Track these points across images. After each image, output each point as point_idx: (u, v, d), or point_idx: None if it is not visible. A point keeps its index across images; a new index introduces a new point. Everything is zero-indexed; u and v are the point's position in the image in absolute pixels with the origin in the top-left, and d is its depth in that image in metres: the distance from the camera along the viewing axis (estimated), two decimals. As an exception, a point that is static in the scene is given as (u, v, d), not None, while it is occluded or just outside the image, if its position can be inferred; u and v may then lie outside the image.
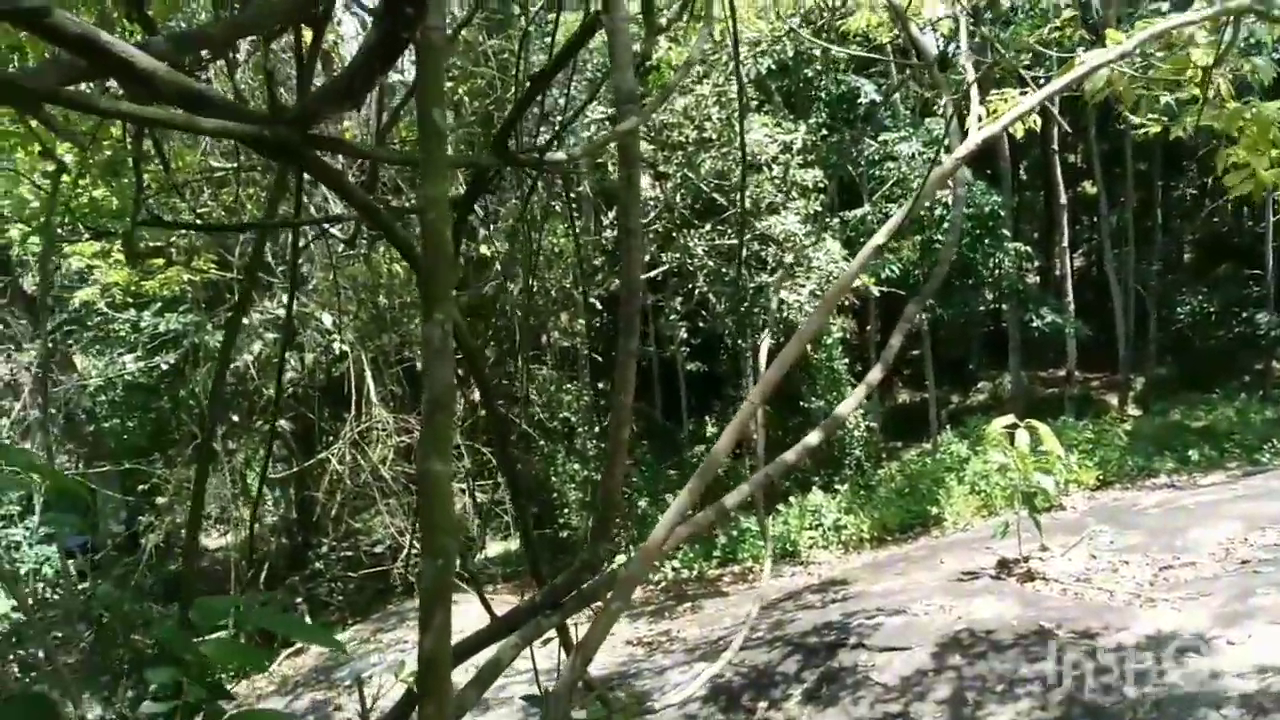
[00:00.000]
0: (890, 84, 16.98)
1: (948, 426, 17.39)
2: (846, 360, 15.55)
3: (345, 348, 11.01)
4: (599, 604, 2.33)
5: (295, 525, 14.73)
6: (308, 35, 2.29)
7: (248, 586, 11.99)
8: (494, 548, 17.86)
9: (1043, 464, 8.29)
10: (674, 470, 16.45)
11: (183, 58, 1.89)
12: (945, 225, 16.19)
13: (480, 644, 2.02)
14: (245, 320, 10.57)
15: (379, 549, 13.24)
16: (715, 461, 2.31)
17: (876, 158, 16.07)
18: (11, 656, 9.31)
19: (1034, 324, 17.32)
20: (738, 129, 11.81)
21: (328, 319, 10.86)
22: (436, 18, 1.06)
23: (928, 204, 15.67)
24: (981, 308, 18.25)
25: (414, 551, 11.57)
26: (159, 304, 9.98)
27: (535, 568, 2.70)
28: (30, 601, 9.83)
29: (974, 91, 3.61)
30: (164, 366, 10.35)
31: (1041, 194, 24.02)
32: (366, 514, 13.20)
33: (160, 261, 8.59)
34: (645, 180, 11.50)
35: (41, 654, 9.35)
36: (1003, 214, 16.46)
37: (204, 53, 2.59)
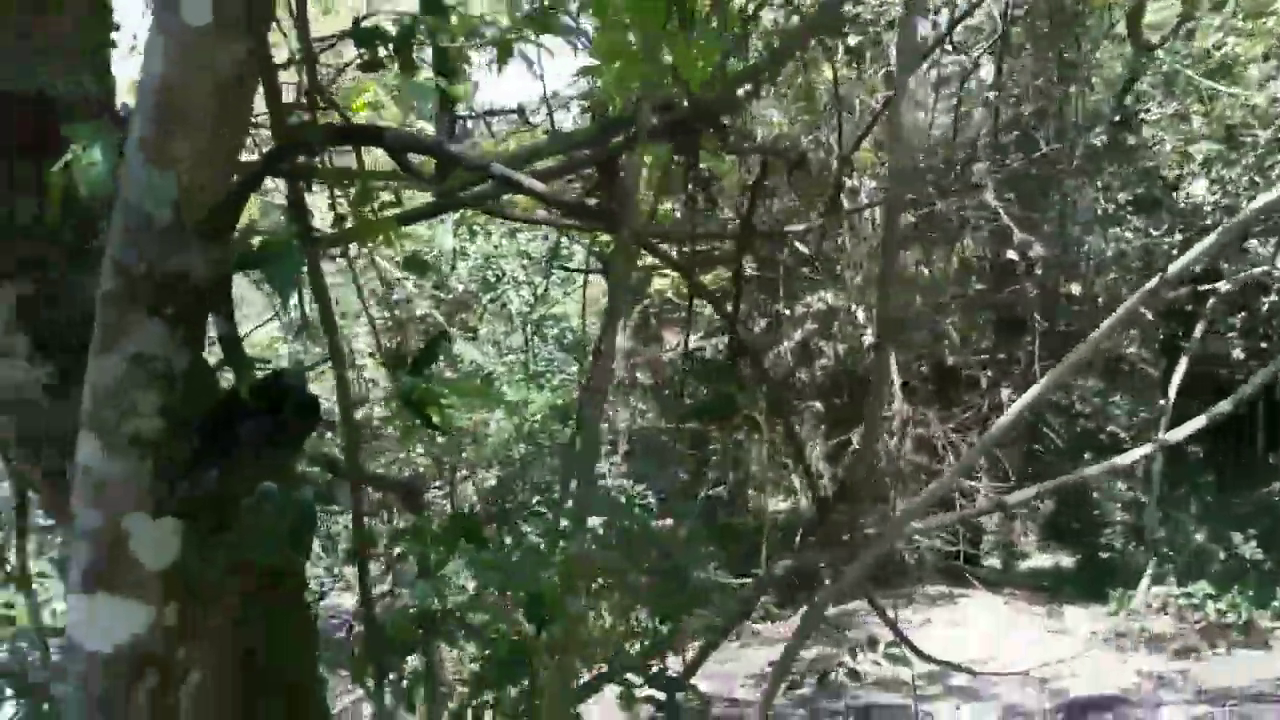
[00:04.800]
0: None
1: None
2: None
3: (874, 339, 11.80)
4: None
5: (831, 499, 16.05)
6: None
7: (776, 549, 13.52)
8: (1043, 559, 17.39)
9: None
10: (1244, 505, 14.45)
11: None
12: None
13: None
14: (789, 313, 11.95)
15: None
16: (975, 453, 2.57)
17: None
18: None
19: None
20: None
21: (860, 313, 11.74)
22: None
23: None
24: None
25: (917, 540, 12.01)
26: (717, 293, 11.83)
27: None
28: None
29: None
30: (719, 346, 12.23)
31: None
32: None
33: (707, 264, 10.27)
34: (1202, 185, 10.42)
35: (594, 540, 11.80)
36: None
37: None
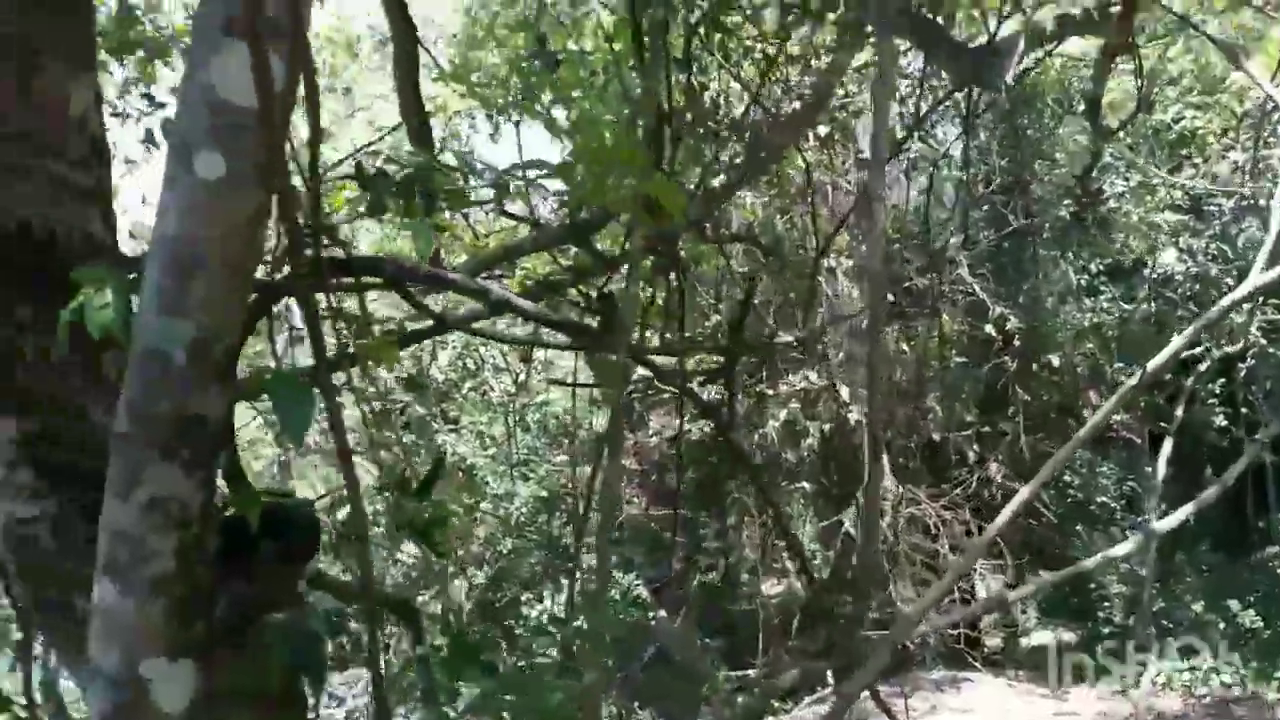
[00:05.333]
0: None
1: None
2: None
3: (861, 418, 11.86)
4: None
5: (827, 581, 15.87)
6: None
7: (775, 636, 13.32)
8: (1044, 635, 17.15)
9: None
10: (1240, 572, 14.41)
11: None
12: None
13: None
14: (772, 392, 12.00)
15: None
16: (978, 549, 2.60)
17: None
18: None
19: None
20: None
21: (845, 391, 11.82)
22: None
23: None
24: None
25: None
26: (702, 376, 11.96)
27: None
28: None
29: None
30: (706, 429, 12.25)
31: None
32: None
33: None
34: (1171, 254, 10.68)
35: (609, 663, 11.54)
36: None
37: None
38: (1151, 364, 2.85)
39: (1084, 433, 2.83)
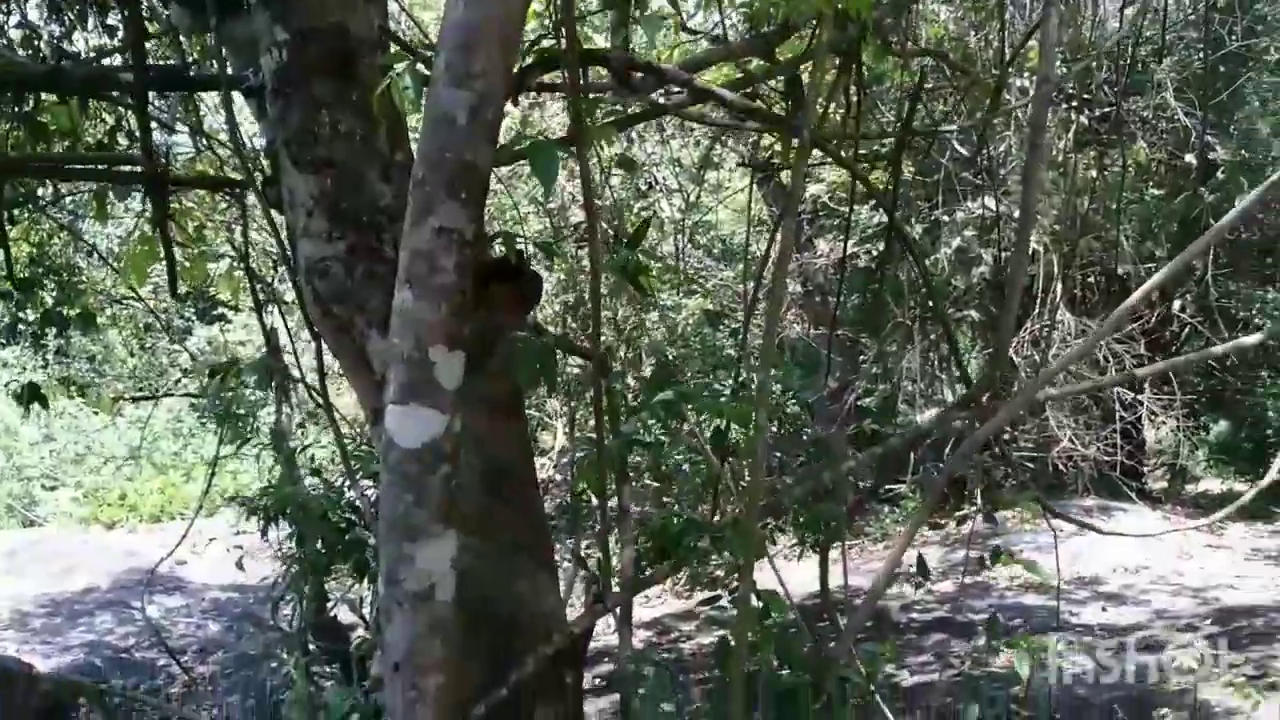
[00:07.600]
0: None
1: None
2: None
3: (1039, 248, 11.60)
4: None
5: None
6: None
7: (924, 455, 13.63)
8: (1212, 482, 16.74)
9: None
10: None
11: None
12: None
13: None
14: (946, 218, 11.82)
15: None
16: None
17: None
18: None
19: None
20: None
21: (1024, 219, 11.53)
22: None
23: None
24: None
25: (1071, 451, 11.92)
26: (872, 201, 11.81)
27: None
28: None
29: None
30: (874, 253, 12.23)
31: None
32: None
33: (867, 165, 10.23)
34: None
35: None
36: None
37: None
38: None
39: (1209, 236, 2.92)
